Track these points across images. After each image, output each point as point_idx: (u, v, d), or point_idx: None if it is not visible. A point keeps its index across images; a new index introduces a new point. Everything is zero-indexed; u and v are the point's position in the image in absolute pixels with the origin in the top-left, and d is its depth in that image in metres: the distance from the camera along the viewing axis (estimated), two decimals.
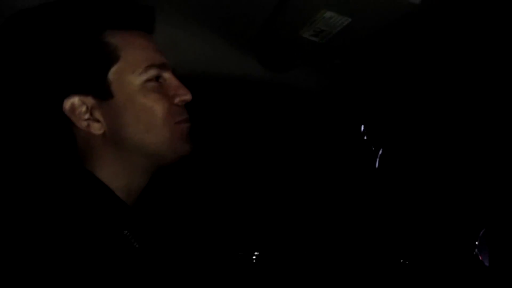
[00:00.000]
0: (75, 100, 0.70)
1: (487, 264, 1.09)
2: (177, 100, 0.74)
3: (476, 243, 1.19)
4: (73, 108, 0.70)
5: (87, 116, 0.70)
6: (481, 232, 1.19)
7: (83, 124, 0.71)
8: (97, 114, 0.71)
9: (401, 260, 1.22)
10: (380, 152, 1.53)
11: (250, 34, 1.12)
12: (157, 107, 0.71)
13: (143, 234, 0.71)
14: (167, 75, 0.75)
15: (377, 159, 1.54)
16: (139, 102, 0.70)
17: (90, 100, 0.70)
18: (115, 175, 0.72)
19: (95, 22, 0.71)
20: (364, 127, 1.56)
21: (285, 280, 1.38)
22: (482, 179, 1.22)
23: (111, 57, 0.70)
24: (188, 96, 0.75)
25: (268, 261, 1.41)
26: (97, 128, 0.71)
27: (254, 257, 1.44)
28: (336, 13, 0.88)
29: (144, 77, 0.71)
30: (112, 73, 0.70)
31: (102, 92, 0.70)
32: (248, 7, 0.98)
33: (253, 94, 1.33)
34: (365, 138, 1.56)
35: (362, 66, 1.28)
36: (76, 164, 0.72)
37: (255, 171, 1.51)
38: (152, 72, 0.72)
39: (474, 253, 1.16)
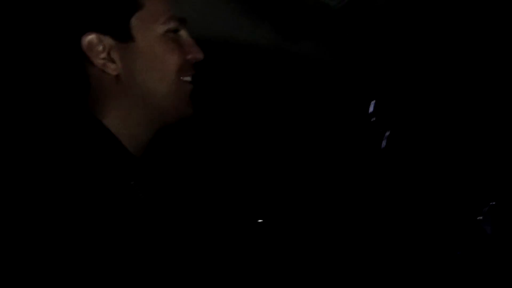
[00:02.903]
0: (94, 37, 0.71)
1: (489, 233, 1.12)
2: (189, 56, 0.76)
3: (480, 217, 1.20)
4: (91, 45, 0.71)
5: (103, 55, 0.72)
6: (486, 208, 1.20)
7: (100, 62, 0.72)
8: (114, 55, 0.72)
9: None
10: (387, 133, 1.53)
11: None
12: (172, 58, 0.73)
13: (148, 186, 0.73)
14: (183, 31, 0.77)
15: (384, 140, 1.53)
16: (157, 49, 0.73)
17: (109, 40, 0.72)
18: (123, 122, 0.73)
19: None
20: (374, 105, 1.55)
21: (288, 247, 1.39)
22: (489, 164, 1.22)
23: (136, 4, 0.72)
24: (200, 55, 0.78)
25: (271, 229, 1.43)
26: (112, 69, 0.72)
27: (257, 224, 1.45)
28: None
29: (166, 27, 0.73)
30: (135, 18, 0.72)
31: (123, 34, 0.72)
32: None
33: (264, 60, 1.33)
34: (374, 118, 1.55)
35: (375, 39, 1.27)
36: (84, 111, 0.73)
37: (260, 136, 1.51)
38: (173, 24, 0.74)
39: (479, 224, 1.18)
